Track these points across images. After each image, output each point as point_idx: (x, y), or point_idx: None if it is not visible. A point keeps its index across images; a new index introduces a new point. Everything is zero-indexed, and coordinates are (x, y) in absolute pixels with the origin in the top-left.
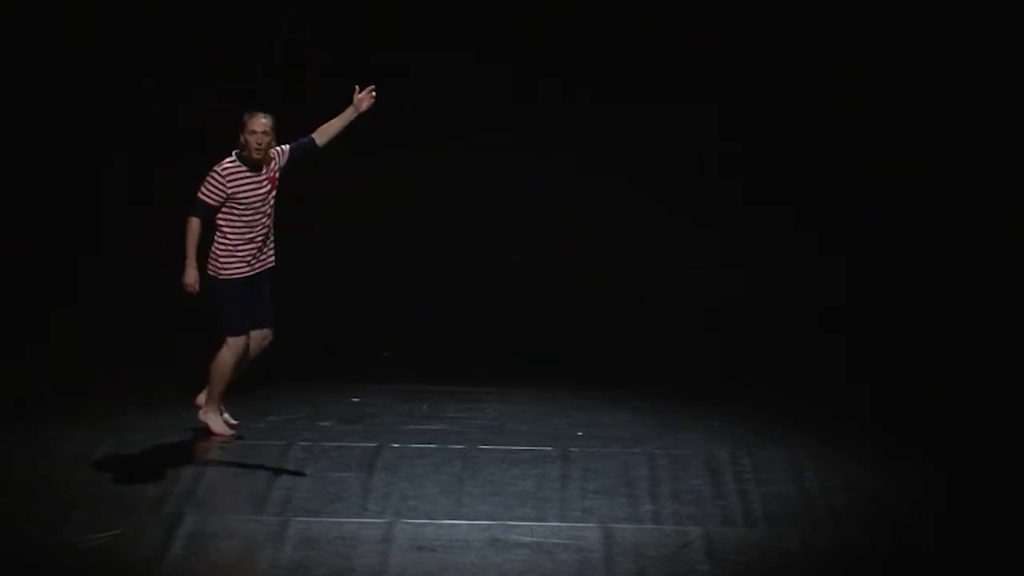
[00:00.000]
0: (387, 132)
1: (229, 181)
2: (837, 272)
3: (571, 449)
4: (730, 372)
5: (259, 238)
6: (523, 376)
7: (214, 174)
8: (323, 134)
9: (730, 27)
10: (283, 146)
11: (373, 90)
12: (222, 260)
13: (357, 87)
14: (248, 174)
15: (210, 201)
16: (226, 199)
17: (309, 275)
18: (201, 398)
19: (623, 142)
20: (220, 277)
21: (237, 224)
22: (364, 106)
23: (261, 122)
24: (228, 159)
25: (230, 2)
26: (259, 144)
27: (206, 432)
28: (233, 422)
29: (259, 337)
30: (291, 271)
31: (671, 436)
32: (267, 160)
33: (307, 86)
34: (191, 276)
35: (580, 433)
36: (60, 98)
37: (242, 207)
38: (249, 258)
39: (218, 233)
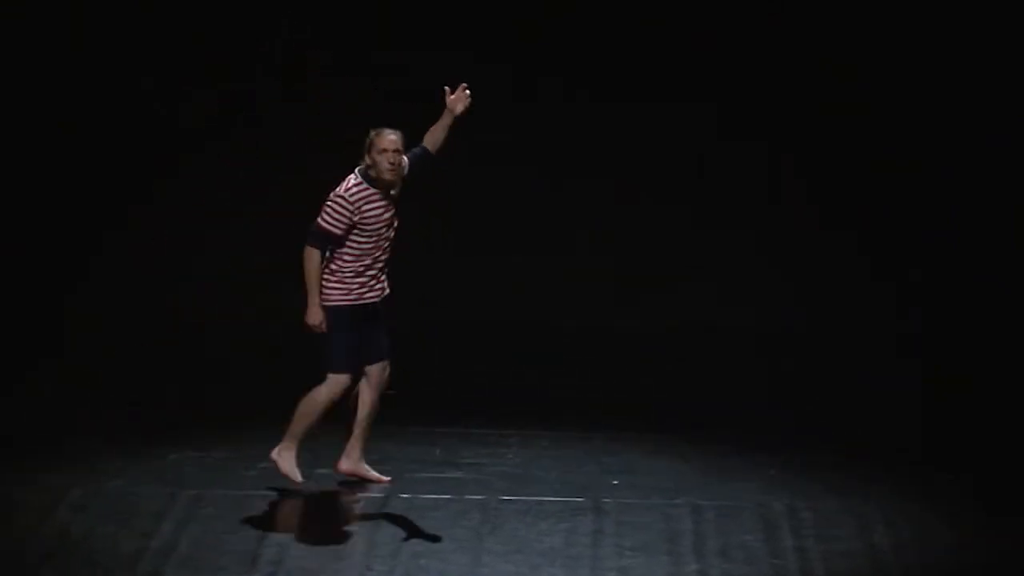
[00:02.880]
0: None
1: (357, 206)
2: (905, 299)
3: (605, 500)
4: (788, 413)
5: (379, 265)
6: (549, 417)
7: (339, 199)
8: (431, 143)
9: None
10: (403, 159)
11: (466, 88)
12: (331, 286)
13: (447, 89)
14: (377, 197)
15: (336, 230)
16: (353, 227)
17: (301, 301)
18: (344, 464)
19: (660, 154)
20: (328, 304)
21: (357, 251)
22: (460, 108)
23: (391, 139)
24: (352, 180)
25: (230, 2)
26: (392, 163)
27: (274, 470)
28: (383, 478)
29: (378, 370)
30: (281, 295)
31: (719, 485)
32: (397, 181)
33: (307, 86)
34: (316, 316)
35: (615, 482)
36: (59, 100)
37: (367, 234)
38: (362, 287)
39: (333, 259)
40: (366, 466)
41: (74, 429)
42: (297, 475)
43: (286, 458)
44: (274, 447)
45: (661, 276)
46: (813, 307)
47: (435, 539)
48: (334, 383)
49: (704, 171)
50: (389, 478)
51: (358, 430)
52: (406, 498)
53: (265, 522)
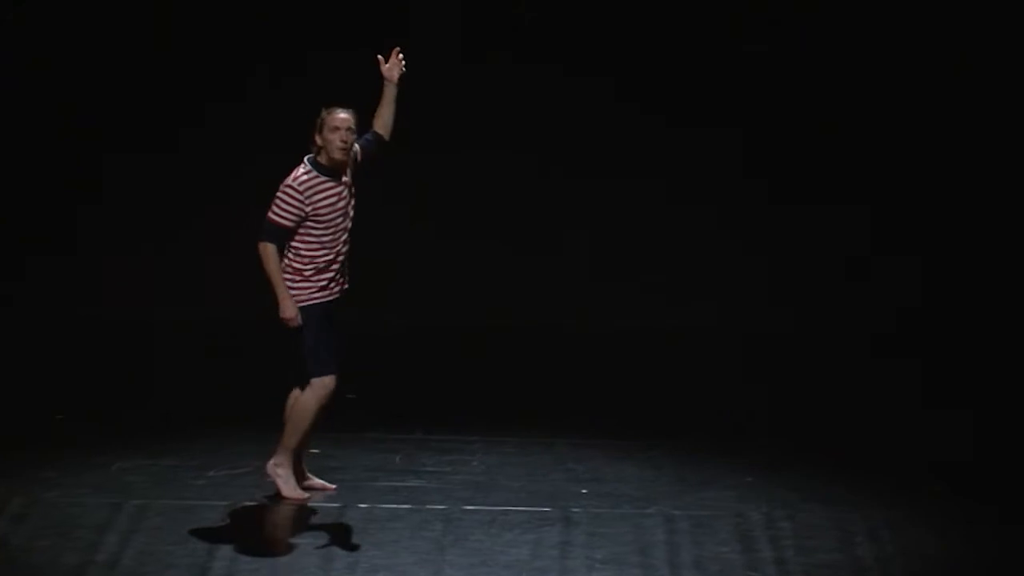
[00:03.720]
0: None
1: (308, 196)
2: (885, 298)
3: (573, 510)
4: (764, 417)
5: (340, 258)
6: (514, 422)
7: (289, 189)
8: (382, 125)
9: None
10: (355, 146)
11: (399, 52)
12: (299, 285)
13: (380, 58)
14: (328, 184)
15: (287, 222)
16: (305, 217)
17: (256, 296)
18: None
19: (646, 157)
20: (300, 305)
21: (315, 245)
22: (396, 74)
23: (342, 117)
24: (302, 169)
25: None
26: (344, 142)
27: (277, 496)
28: (328, 485)
29: None
30: (239, 291)
31: (693, 494)
32: (348, 164)
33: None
34: (290, 309)
35: (584, 491)
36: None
37: (323, 225)
38: (330, 282)
39: (291, 255)
40: (286, 470)
41: (13, 437)
42: (299, 492)
43: (283, 476)
44: (267, 460)
45: (630, 275)
46: (790, 307)
47: (394, 551)
48: (320, 387)
49: (672, 170)
50: (319, 483)
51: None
52: (364, 508)
53: (215, 533)
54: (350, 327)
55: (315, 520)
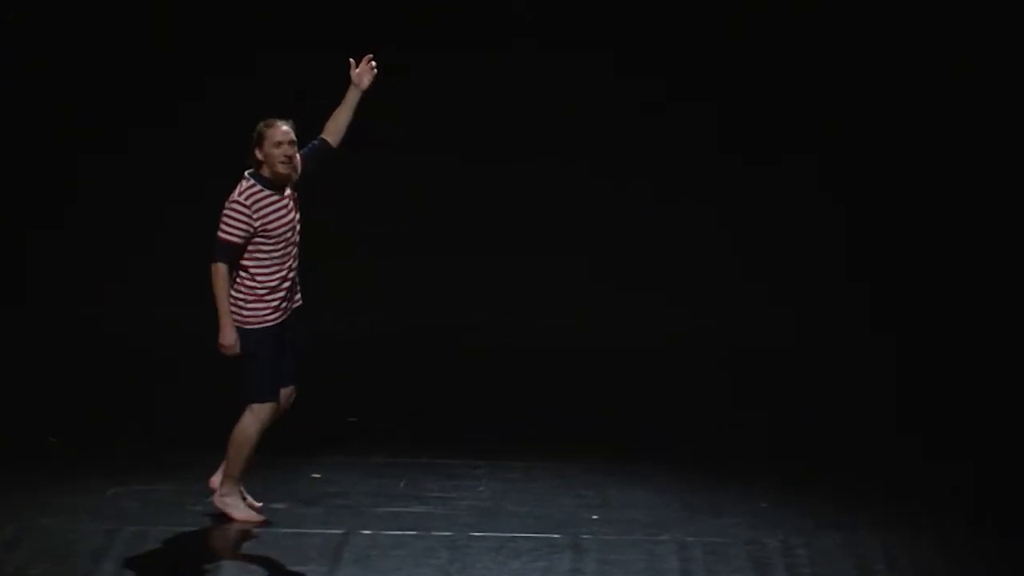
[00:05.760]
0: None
1: (255, 210)
2: (898, 314)
3: (583, 536)
4: (780, 439)
5: (292, 275)
6: (521, 445)
7: (235, 205)
8: (333, 132)
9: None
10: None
11: (371, 59)
12: (251, 307)
13: (352, 61)
14: (274, 197)
15: (235, 239)
16: (254, 233)
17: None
18: (216, 479)
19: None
20: (247, 327)
21: (266, 262)
22: (366, 81)
23: (283, 130)
24: (245, 184)
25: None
26: (287, 156)
27: (226, 519)
28: (257, 504)
29: (285, 395)
30: None
31: (706, 520)
32: (291, 177)
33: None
34: (229, 336)
35: (595, 517)
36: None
37: (272, 240)
38: (283, 301)
39: (243, 274)
40: (234, 496)
41: (6, 461)
42: (251, 515)
43: (233, 503)
44: (215, 494)
45: (636, 291)
46: (797, 320)
47: None
48: (260, 411)
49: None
50: (260, 505)
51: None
52: (367, 535)
53: (213, 561)
54: (354, 346)
55: (316, 547)
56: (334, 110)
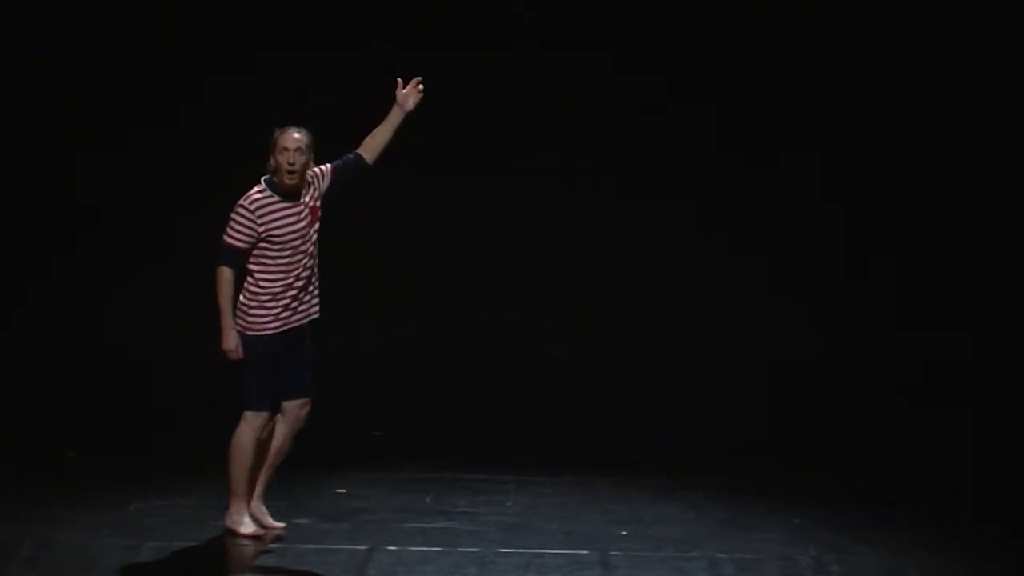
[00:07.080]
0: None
1: (260, 216)
2: (898, 313)
3: (612, 553)
4: (813, 455)
5: (300, 284)
6: (549, 460)
7: (240, 209)
8: (370, 149)
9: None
10: (323, 167)
11: (420, 82)
12: (252, 312)
13: (399, 81)
14: (282, 205)
15: (239, 244)
16: (258, 239)
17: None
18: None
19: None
20: (248, 333)
21: (272, 269)
22: (411, 103)
23: (294, 137)
24: (256, 189)
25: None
26: (292, 164)
27: (234, 535)
28: (277, 525)
29: (297, 407)
30: None
31: (738, 536)
32: (304, 185)
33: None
34: (231, 340)
35: (624, 533)
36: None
37: (278, 247)
38: (284, 310)
39: (249, 279)
40: (263, 509)
41: (25, 477)
42: (256, 529)
43: (236, 517)
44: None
45: (664, 302)
46: (827, 333)
47: None
48: (253, 420)
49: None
50: (283, 524)
51: (260, 471)
52: (393, 551)
53: None
54: (374, 361)
55: (341, 563)
56: (375, 128)
